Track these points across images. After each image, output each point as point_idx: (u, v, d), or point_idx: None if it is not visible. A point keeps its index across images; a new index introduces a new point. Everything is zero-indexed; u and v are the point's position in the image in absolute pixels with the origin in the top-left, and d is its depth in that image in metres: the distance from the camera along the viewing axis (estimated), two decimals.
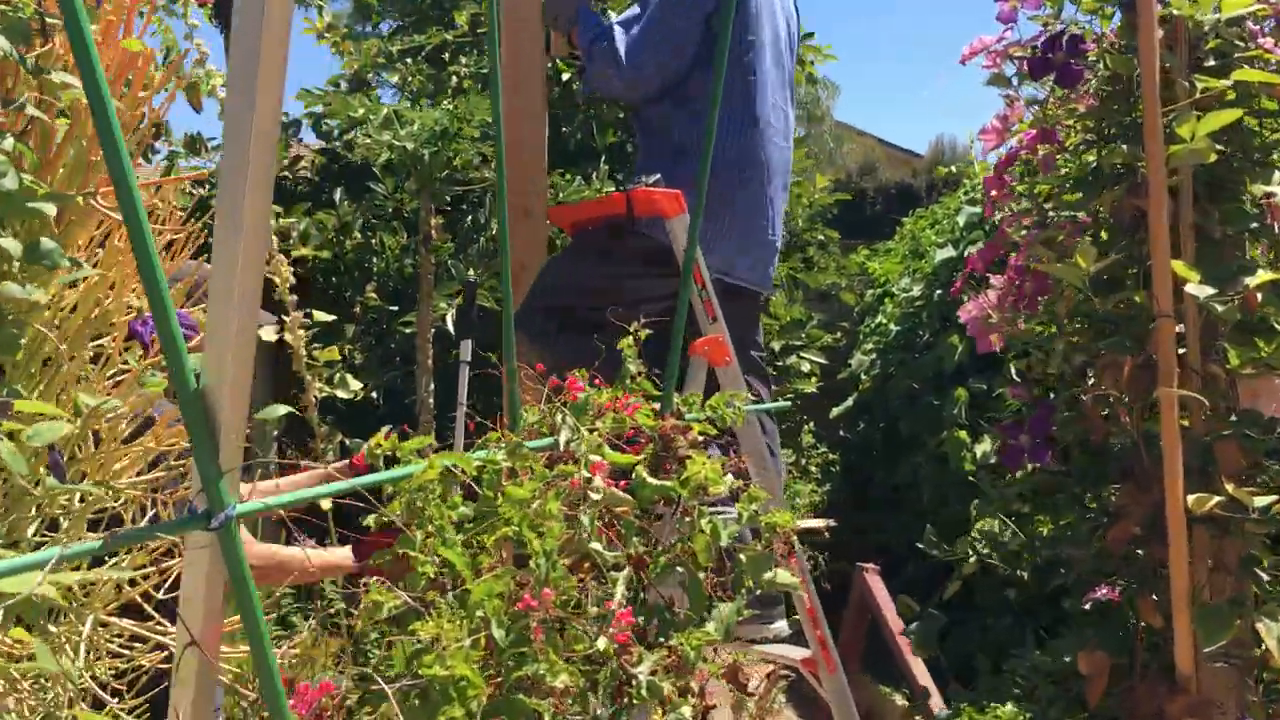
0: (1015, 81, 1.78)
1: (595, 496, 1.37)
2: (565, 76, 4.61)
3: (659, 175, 2.39)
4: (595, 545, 1.39)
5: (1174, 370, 1.48)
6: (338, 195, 4.71)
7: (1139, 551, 1.62)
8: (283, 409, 1.09)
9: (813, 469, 6.80)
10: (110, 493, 1.14)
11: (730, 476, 1.96)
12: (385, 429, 1.52)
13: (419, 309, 3.86)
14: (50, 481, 1.06)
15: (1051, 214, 1.74)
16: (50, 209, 1.07)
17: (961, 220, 4.89)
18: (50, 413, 1.11)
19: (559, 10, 2.61)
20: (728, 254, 2.51)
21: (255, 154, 0.84)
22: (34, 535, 1.33)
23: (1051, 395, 1.79)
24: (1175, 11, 1.58)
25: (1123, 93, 1.64)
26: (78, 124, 1.27)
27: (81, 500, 1.17)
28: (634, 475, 1.45)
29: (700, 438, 1.69)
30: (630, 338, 1.65)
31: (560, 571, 1.16)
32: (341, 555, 2.84)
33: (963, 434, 4.49)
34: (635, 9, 2.54)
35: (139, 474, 1.77)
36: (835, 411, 5.67)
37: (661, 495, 1.46)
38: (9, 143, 1.09)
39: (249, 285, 0.89)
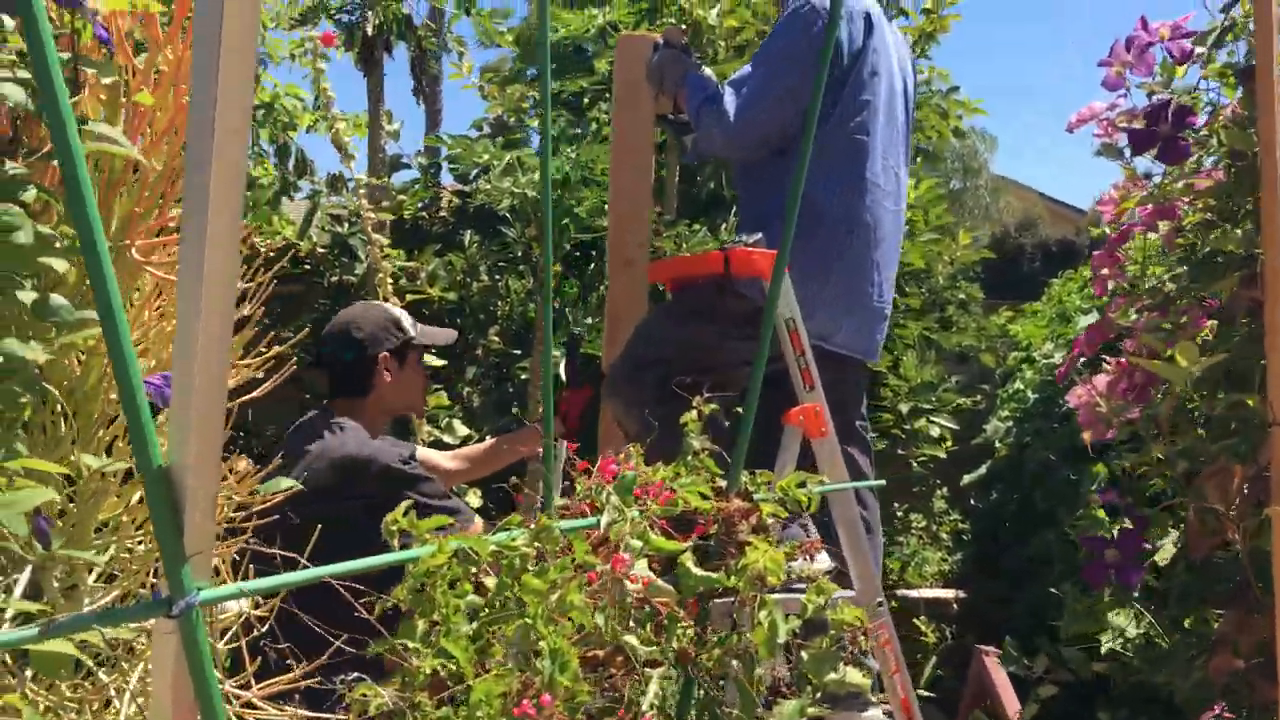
0: (1128, 153, 1.63)
1: (631, 587, 1.28)
2: None
3: (760, 235, 2.30)
4: (629, 638, 1.30)
5: None
6: (467, 238, 4.74)
7: (1245, 685, 1.43)
8: (287, 483, 1.04)
9: (944, 536, 6.53)
10: (103, 555, 1.10)
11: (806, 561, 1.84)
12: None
13: (533, 356, 3.83)
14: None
15: (1165, 299, 1.58)
16: (61, 264, 1.04)
17: (1111, 285, 4.63)
18: (50, 471, 1.08)
19: (665, 73, 2.57)
20: (828, 319, 2.39)
21: (219, 184, 0.77)
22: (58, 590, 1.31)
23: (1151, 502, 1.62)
24: None
25: (1246, 170, 1.47)
26: (125, 178, 1.26)
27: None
28: (678, 565, 1.35)
29: (771, 519, 1.59)
30: (694, 411, 1.56)
31: (571, 672, 1.07)
32: (529, 432, 2.85)
33: (1100, 512, 4.23)
34: (747, 68, 2.47)
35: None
36: (968, 479, 5.43)
37: (707, 587, 1.36)
38: (30, 194, 1.07)
39: (213, 351, 0.83)
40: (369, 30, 4.60)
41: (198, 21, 0.78)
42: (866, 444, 2.66)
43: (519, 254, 4.82)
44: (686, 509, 1.47)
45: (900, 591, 6.01)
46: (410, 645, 1.05)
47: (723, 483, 1.59)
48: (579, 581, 1.16)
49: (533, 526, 1.21)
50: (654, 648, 1.29)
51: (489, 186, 3.57)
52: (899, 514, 6.53)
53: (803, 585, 2.49)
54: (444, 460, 2.97)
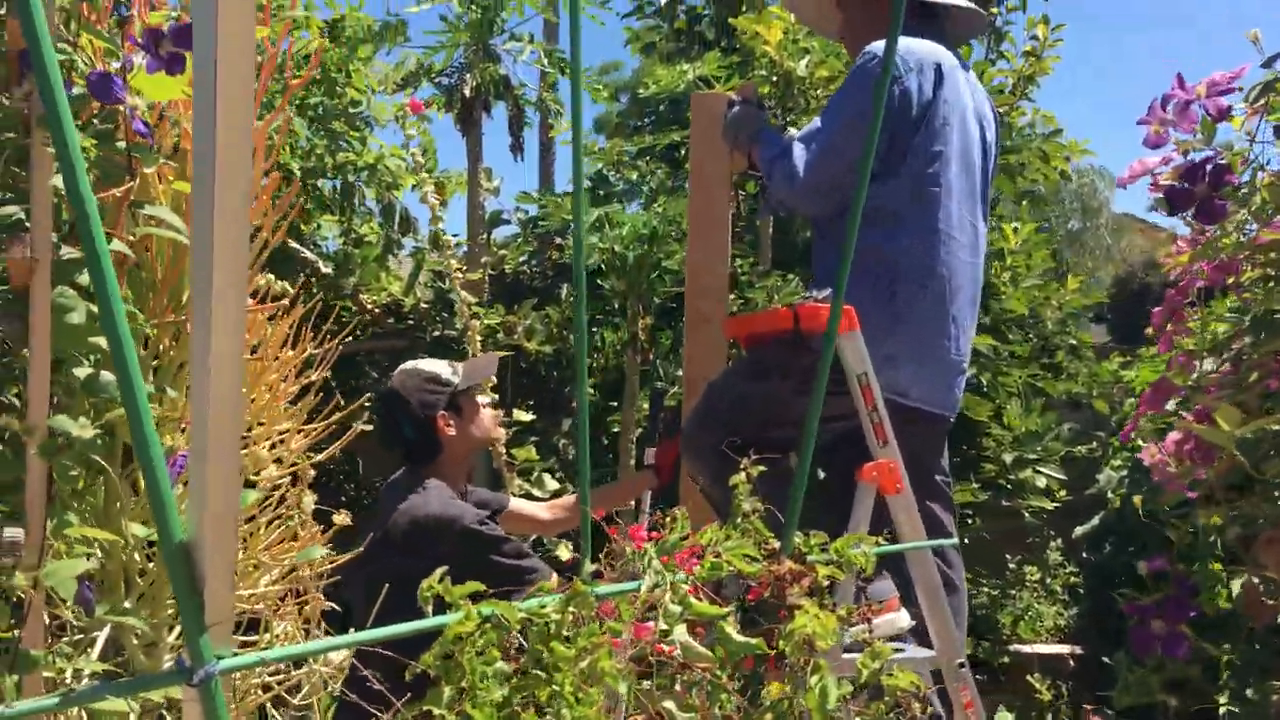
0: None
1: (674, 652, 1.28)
2: None
3: (830, 290, 2.28)
4: (668, 704, 1.30)
5: None
6: (564, 292, 4.82)
7: None
8: (316, 552, 1.07)
9: (1058, 589, 6.33)
10: (142, 621, 1.14)
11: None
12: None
13: (623, 409, 3.86)
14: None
15: (1236, 357, 1.52)
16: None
17: (1224, 329, 4.45)
18: (103, 538, 1.14)
19: (740, 129, 2.58)
20: (904, 374, 2.36)
21: (223, 275, 0.81)
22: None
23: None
24: None
25: None
26: (180, 258, 1.32)
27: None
28: (717, 630, 1.34)
29: (826, 581, 1.57)
30: (743, 474, 1.56)
31: None
32: (643, 478, 2.89)
33: (1217, 566, 4.05)
34: (816, 122, 2.47)
35: (275, 581, 1.81)
36: (1079, 531, 5.25)
37: (747, 654, 1.35)
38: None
39: (226, 430, 0.86)
40: (467, 92, 4.73)
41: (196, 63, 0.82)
42: (948, 499, 2.61)
43: (615, 307, 4.88)
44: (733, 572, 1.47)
45: (1014, 647, 5.84)
46: (436, 712, 1.07)
47: (776, 544, 1.58)
48: (609, 648, 1.16)
49: (568, 591, 1.22)
50: (693, 713, 1.29)
51: None
52: (1011, 566, 6.36)
53: (889, 644, 2.45)
54: (539, 511, 3.01)
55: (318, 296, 5.54)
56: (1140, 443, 4.89)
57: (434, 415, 2.59)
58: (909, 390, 2.37)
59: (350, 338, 5.72)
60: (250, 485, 1.63)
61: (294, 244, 5.35)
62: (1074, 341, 5.78)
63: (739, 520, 1.55)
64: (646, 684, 1.32)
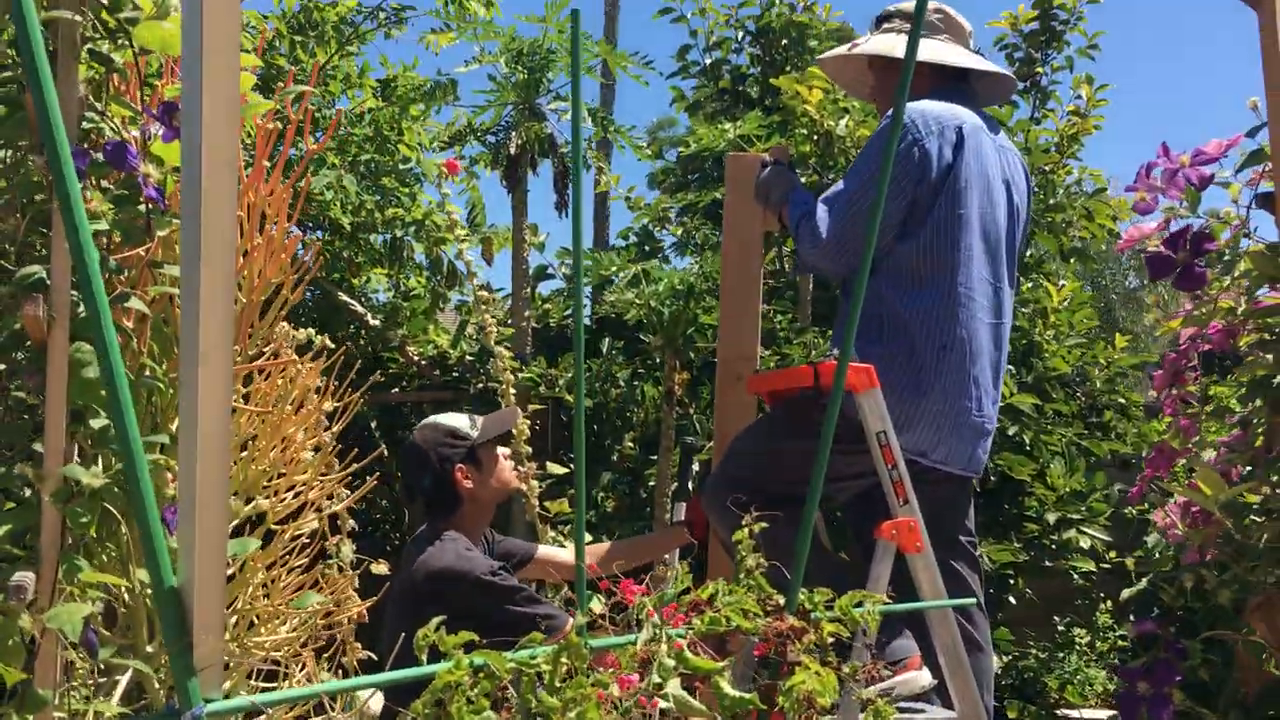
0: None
1: (664, 705, 1.30)
2: None
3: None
4: None
5: None
6: (604, 345, 4.87)
7: None
8: (314, 598, 1.11)
9: (1109, 653, 6.19)
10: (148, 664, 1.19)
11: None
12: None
13: (659, 463, 3.88)
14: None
15: (1242, 421, 1.52)
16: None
17: (1227, 392, 4.38)
18: (112, 582, 1.19)
19: (771, 189, 2.62)
20: (925, 435, 2.37)
21: (210, 344, 0.86)
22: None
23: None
24: None
25: None
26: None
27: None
28: (712, 684, 1.36)
29: (831, 639, 1.58)
30: (745, 530, 1.57)
31: None
32: (676, 533, 2.93)
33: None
34: (840, 184, 2.50)
35: (296, 629, 1.85)
36: (1126, 593, 5.15)
37: (740, 709, 1.36)
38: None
39: (214, 481, 0.91)
40: (513, 150, 4.83)
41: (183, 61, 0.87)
42: (973, 559, 2.59)
43: (656, 361, 4.92)
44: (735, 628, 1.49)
45: (1061, 711, 5.72)
46: None
47: (782, 599, 1.59)
48: (595, 700, 1.18)
49: (559, 643, 1.24)
50: None
51: (613, 298, 3.67)
52: (1060, 629, 6.24)
53: (910, 703, 2.44)
54: (569, 557, 3.04)
55: (364, 348, 5.66)
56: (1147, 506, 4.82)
57: (452, 468, 2.64)
58: (929, 450, 2.38)
59: (396, 388, 5.82)
60: (269, 534, 1.67)
61: (344, 297, 5.47)
62: (1123, 401, 5.70)
63: (742, 576, 1.56)
64: None
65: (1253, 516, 1.34)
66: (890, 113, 2.52)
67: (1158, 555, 5.13)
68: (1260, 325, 1.52)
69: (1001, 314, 2.48)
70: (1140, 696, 1.48)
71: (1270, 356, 1.39)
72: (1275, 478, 1.34)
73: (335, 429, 1.79)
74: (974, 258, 2.40)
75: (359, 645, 3.19)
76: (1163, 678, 1.47)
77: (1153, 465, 1.69)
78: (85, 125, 1.20)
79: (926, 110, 2.43)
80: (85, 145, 1.22)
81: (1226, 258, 1.48)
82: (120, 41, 1.19)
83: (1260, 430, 1.46)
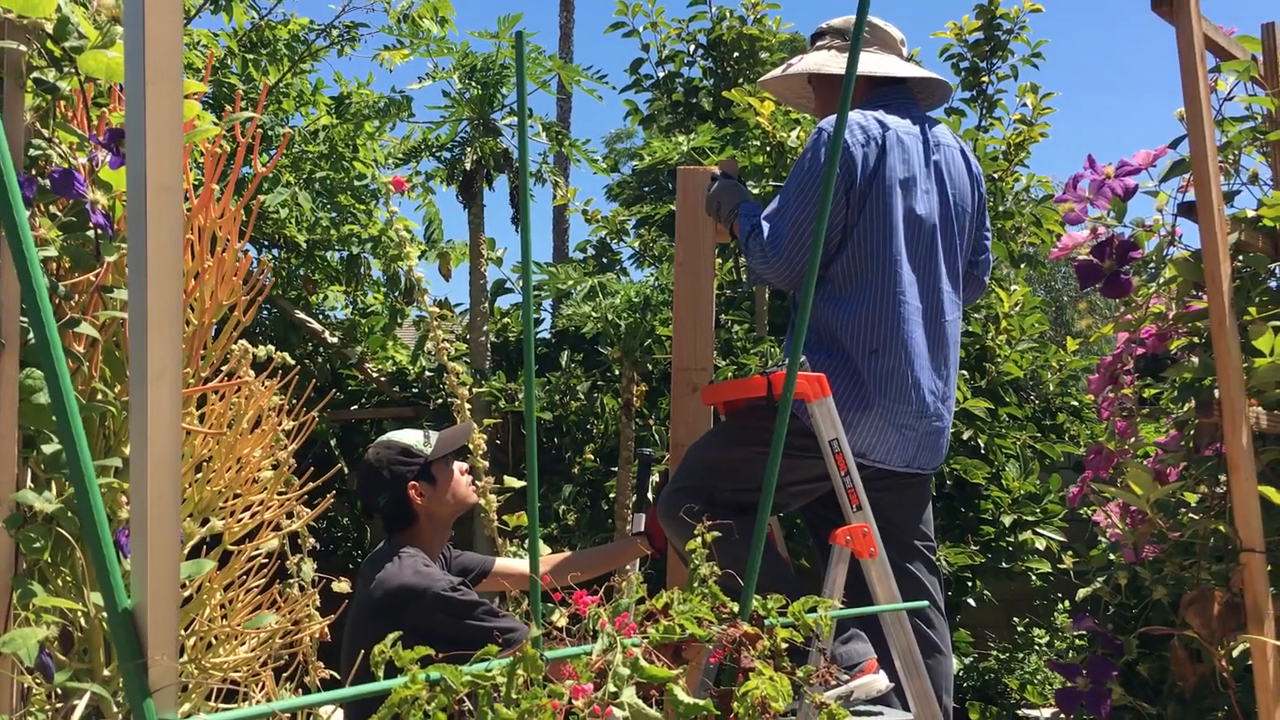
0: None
1: (619, 714, 1.31)
2: None
3: (803, 359, 2.34)
4: None
5: (1266, 613, 1.27)
6: (563, 359, 4.89)
7: None
8: (269, 617, 1.12)
9: (1066, 652, 6.27)
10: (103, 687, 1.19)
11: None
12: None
13: (619, 475, 3.90)
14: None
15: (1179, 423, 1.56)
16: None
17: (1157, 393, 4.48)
18: (66, 607, 1.19)
19: (722, 202, 2.66)
20: (863, 437, 2.41)
21: (157, 364, 0.87)
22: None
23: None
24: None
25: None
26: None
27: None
28: (667, 692, 1.38)
29: (785, 645, 1.60)
30: (698, 539, 1.60)
31: None
32: (635, 544, 2.92)
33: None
34: (777, 201, 2.55)
35: (254, 649, 1.85)
36: (1081, 594, 5.23)
37: (696, 715, 1.38)
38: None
39: (165, 503, 0.92)
40: (468, 165, 4.84)
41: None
42: (931, 564, 2.63)
43: (615, 373, 4.95)
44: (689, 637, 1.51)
45: (1022, 711, 5.78)
46: None
47: (736, 606, 1.61)
48: (551, 711, 1.20)
49: (514, 656, 1.26)
50: None
51: (570, 311, 3.69)
52: (1020, 630, 6.31)
53: (868, 706, 2.47)
54: (526, 569, 3.05)
55: (322, 365, 5.64)
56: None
57: (405, 486, 2.65)
58: (868, 452, 2.42)
59: (356, 405, 5.80)
60: (227, 555, 1.68)
61: (301, 315, 5.45)
62: (1075, 403, 5.79)
63: (696, 584, 1.59)
64: None
65: (1190, 515, 1.38)
66: (816, 128, 2.58)
67: (1096, 555, 5.22)
68: (1189, 329, 1.57)
69: (943, 313, 2.51)
70: (1079, 692, 1.52)
71: (1197, 360, 1.44)
72: (1206, 476, 1.38)
73: (292, 447, 1.80)
74: (902, 261, 2.44)
75: (321, 664, 3.18)
76: (1100, 673, 1.50)
77: (1091, 466, 1.73)
78: (33, 152, 1.21)
79: (851, 120, 2.49)
80: (33, 172, 1.22)
81: (1153, 265, 1.53)
82: (66, 70, 1.20)
83: (1192, 431, 1.50)
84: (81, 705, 1.56)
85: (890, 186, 2.45)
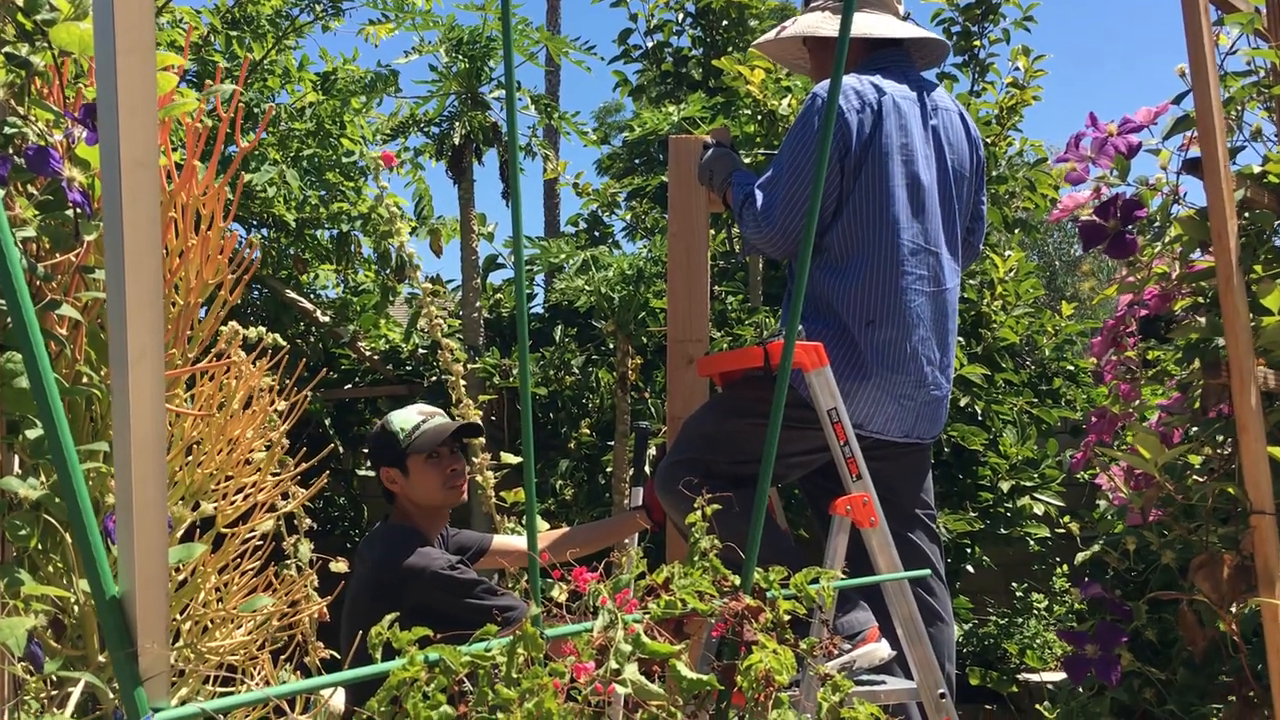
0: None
1: (621, 690, 1.30)
2: None
3: (800, 328, 2.32)
4: None
5: (1277, 576, 1.25)
6: (557, 333, 4.86)
7: None
8: (263, 600, 1.10)
9: (1065, 616, 6.28)
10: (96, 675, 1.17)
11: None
12: None
13: (615, 449, 3.88)
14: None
15: (1182, 385, 1.54)
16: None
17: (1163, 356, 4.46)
18: (54, 594, 1.17)
19: (714, 171, 2.63)
20: (861, 408, 2.39)
21: (138, 351, 0.85)
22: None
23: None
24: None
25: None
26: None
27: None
28: (670, 667, 1.36)
29: (787, 616, 1.58)
30: (698, 513, 1.58)
31: None
32: (634, 518, 2.89)
33: None
34: (771, 169, 2.51)
35: (251, 632, 1.83)
36: (1080, 558, 5.23)
37: (699, 690, 1.36)
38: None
39: (150, 491, 0.89)
40: (457, 140, 4.79)
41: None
42: (932, 532, 2.61)
43: (610, 346, 4.92)
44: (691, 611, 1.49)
45: (1022, 676, 5.80)
46: None
47: (737, 579, 1.59)
48: (552, 690, 1.18)
49: (514, 634, 1.24)
50: None
51: (563, 285, 3.66)
52: (1019, 595, 6.32)
53: (870, 675, 2.46)
54: (525, 545, 3.03)
55: (315, 344, 5.60)
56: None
57: (379, 467, 2.62)
58: (865, 422, 2.39)
59: (349, 384, 5.77)
60: (221, 538, 1.65)
61: (292, 294, 5.41)
62: (1071, 367, 5.78)
63: (696, 558, 1.57)
64: None
65: (1195, 478, 1.36)
66: (810, 94, 2.54)
67: (1104, 519, 5.22)
68: (1194, 289, 1.54)
69: (943, 280, 2.48)
70: (1088, 659, 1.50)
71: (1203, 320, 1.41)
72: (1212, 438, 1.36)
73: (284, 427, 1.77)
74: (901, 229, 2.41)
75: (321, 644, 3.17)
76: (1109, 640, 1.49)
77: (1095, 430, 1.71)
78: (8, 130, 1.18)
79: (846, 85, 2.44)
80: (9, 151, 1.19)
81: (1157, 224, 1.50)
82: (38, 43, 1.17)
83: (1198, 392, 1.48)
84: (76, 693, 1.53)
85: (887, 153, 2.41)
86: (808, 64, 2.86)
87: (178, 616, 1.70)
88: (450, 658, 1.17)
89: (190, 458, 1.58)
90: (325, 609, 3.06)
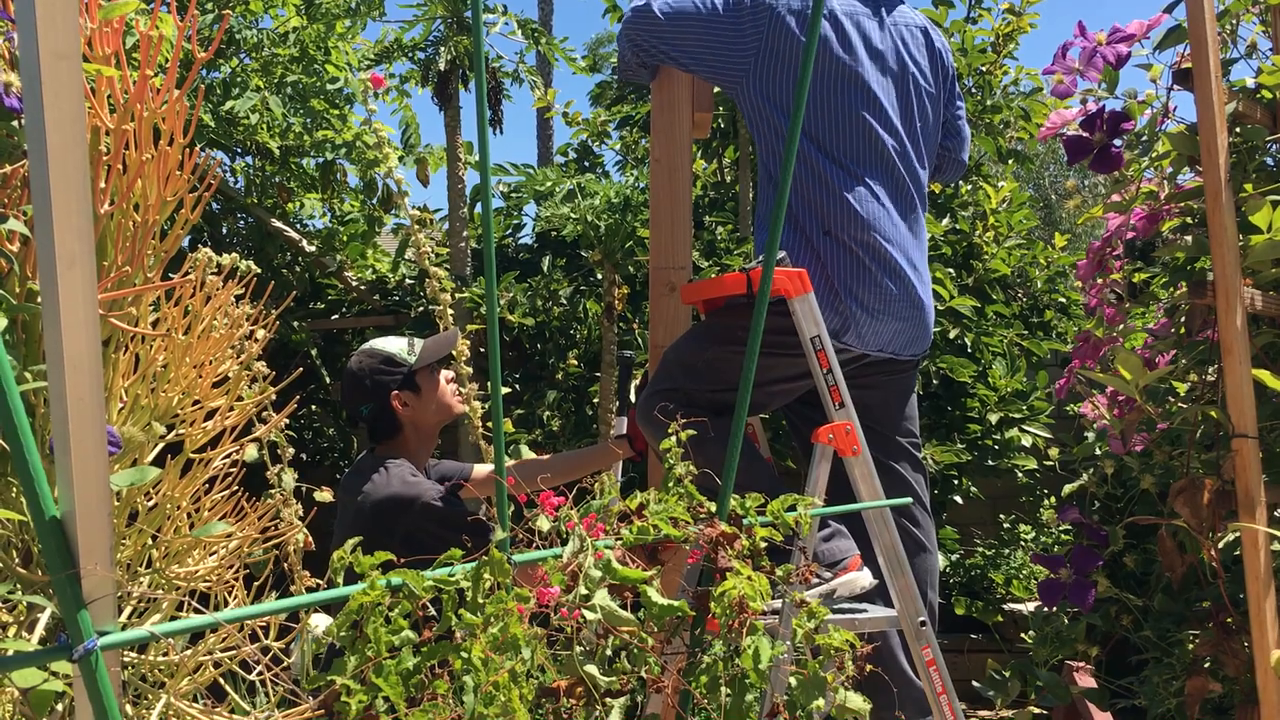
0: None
1: (591, 616, 1.28)
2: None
3: (784, 254, 2.27)
4: (590, 668, 1.30)
5: (1258, 501, 1.22)
6: (545, 264, 4.80)
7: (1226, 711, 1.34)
8: (220, 527, 1.07)
9: (1052, 547, 6.32)
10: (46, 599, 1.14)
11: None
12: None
13: (602, 379, 3.85)
14: None
15: (1171, 308, 1.50)
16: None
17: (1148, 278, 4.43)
18: (8, 517, 1.14)
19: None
20: (831, 318, 2.34)
21: (66, 259, 0.81)
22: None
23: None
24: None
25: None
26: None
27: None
28: (641, 593, 1.34)
29: (764, 544, 1.56)
30: (673, 439, 1.55)
31: (498, 706, 1.07)
32: (615, 447, 2.89)
33: None
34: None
35: (221, 560, 1.81)
36: (1068, 489, 5.24)
37: (670, 616, 1.34)
38: None
39: (87, 407, 0.86)
40: (443, 66, 4.69)
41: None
42: (916, 460, 2.59)
43: (597, 277, 4.87)
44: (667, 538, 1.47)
45: (1008, 606, 5.84)
46: (340, 682, 1.07)
47: (713, 506, 1.57)
48: (518, 615, 1.16)
49: (480, 560, 1.22)
50: (614, 678, 1.29)
51: (548, 213, 3.61)
52: (1006, 526, 6.35)
53: (851, 603, 2.45)
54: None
55: (301, 274, 5.54)
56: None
57: (388, 395, 2.60)
58: (840, 333, 2.36)
59: (336, 314, 5.72)
60: (189, 464, 1.62)
61: (277, 223, 5.34)
62: (1063, 299, 5.75)
63: (672, 484, 1.54)
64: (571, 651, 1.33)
65: (1179, 404, 1.33)
66: None
67: (1084, 445, 5.22)
68: (1183, 209, 1.49)
69: (905, 198, 2.42)
70: (1062, 583, 1.49)
71: (1190, 239, 1.37)
72: (1197, 362, 1.33)
73: (255, 349, 1.74)
74: (861, 146, 2.36)
75: (308, 573, 3.16)
76: (1084, 564, 1.47)
77: (1079, 355, 1.68)
78: None
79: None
80: None
81: (1145, 139, 1.45)
82: None
83: (1184, 315, 1.44)
84: (44, 618, 1.51)
85: (839, 74, 2.36)
86: None
87: (150, 543, 1.67)
88: (413, 582, 1.14)
89: (155, 383, 1.55)
90: (311, 539, 3.05)
